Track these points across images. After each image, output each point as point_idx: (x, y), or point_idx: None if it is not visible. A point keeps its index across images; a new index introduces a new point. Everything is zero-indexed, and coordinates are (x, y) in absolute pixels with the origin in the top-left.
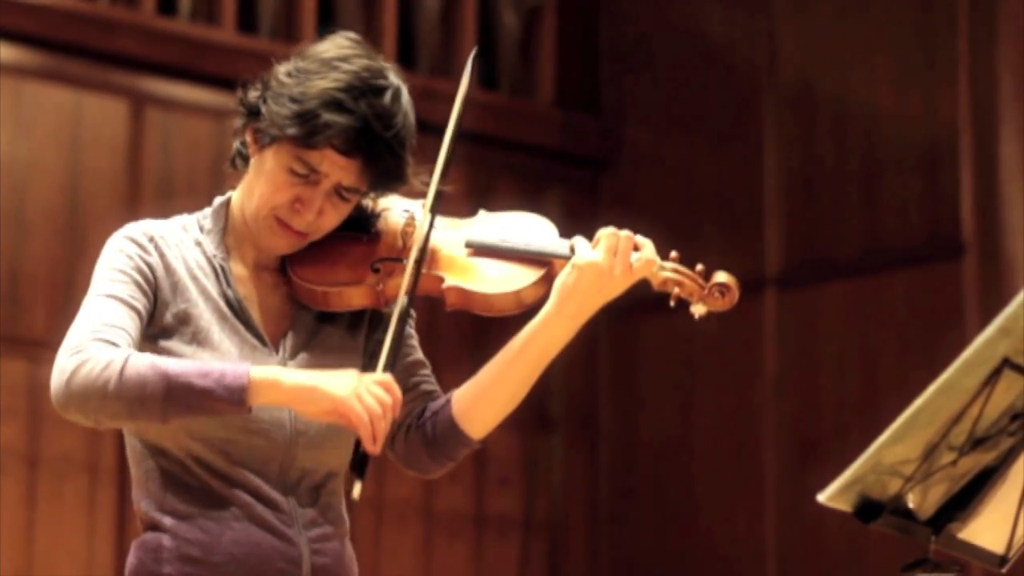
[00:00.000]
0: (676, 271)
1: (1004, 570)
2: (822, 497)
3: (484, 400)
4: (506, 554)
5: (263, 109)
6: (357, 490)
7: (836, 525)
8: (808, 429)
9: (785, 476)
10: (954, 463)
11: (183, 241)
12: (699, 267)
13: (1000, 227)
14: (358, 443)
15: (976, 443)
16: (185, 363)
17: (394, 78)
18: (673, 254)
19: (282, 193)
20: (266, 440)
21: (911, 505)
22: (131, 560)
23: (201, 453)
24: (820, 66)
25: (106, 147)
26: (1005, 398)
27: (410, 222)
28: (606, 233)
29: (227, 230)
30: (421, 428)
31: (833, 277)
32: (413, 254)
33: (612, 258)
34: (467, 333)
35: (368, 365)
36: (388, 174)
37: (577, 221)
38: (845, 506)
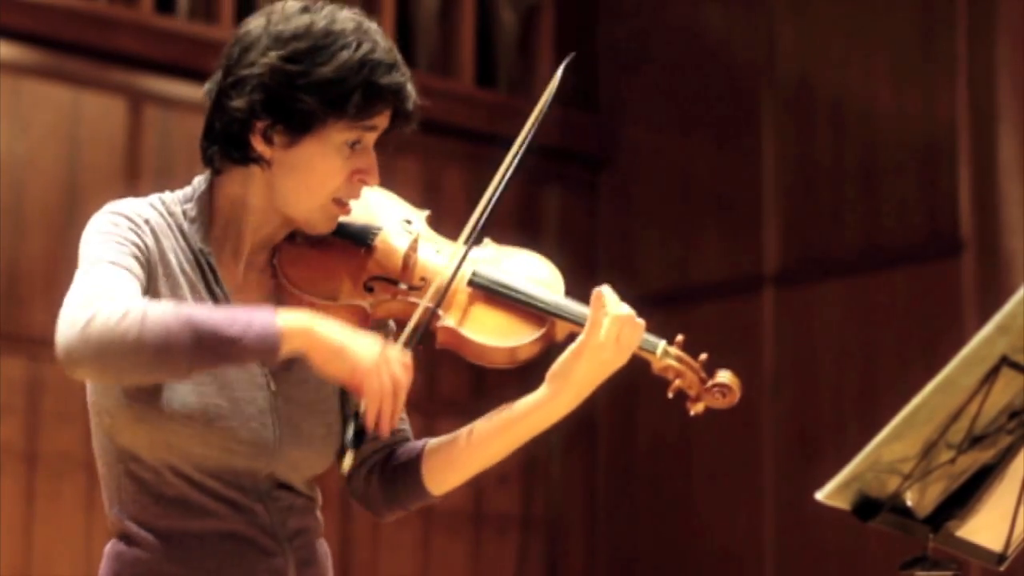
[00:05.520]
0: (680, 360)
1: (1002, 568)
2: (820, 495)
3: (458, 466)
4: (505, 552)
5: (289, 105)
6: (348, 462)
7: (834, 523)
8: (806, 427)
9: (783, 474)
10: (952, 461)
11: (168, 228)
12: (702, 357)
13: (998, 225)
14: (356, 415)
15: (974, 441)
16: (207, 310)
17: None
18: (679, 338)
19: (341, 173)
20: (246, 461)
21: (909, 503)
22: (103, 570)
23: (177, 464)
24: (819, 64)
25: (104, 145)
26: (1003, 396)
27: (413, 246)
28: (612, 316)
29: (213, 221)
30: (384, 476)
31: (831, 275)
32: (430, 293)
33: (615, 345)
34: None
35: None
36: (413, 110)
37: (576, 219)
38: (843, 504)
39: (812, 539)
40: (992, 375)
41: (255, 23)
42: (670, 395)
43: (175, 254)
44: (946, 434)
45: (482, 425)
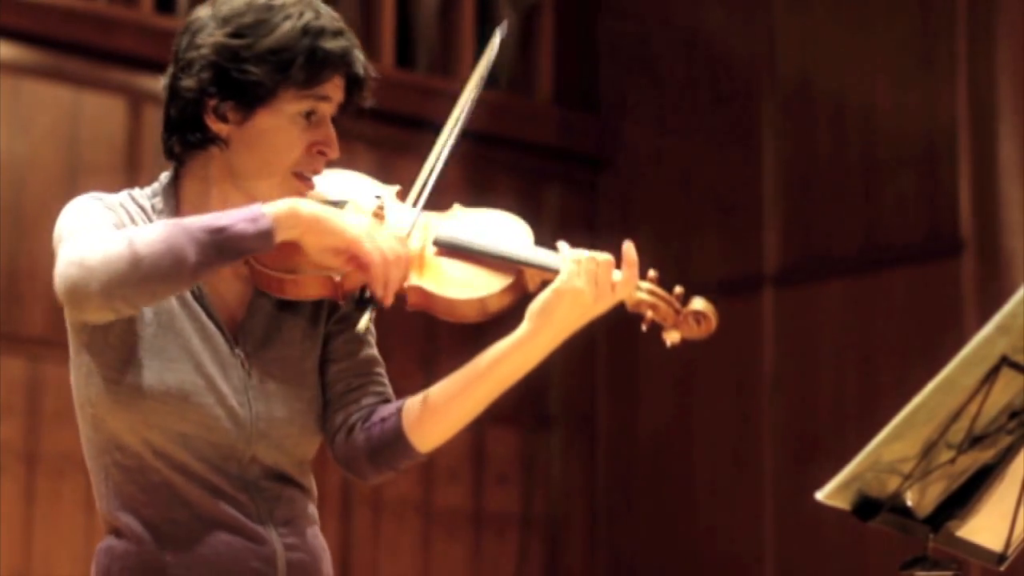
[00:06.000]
0: (652, 293)
1: (1002, 568)
2: (820, 495)
3: (440, 416)
4: (504, 551)
5: (237, 78)
6: (364, 321)
7: (834, 523)
8: (806, 427)
9: (783, 474)
10: (952, 461)
11: (140, 220)
12: (677, 290)
13: (998, 225)
14: (362, 291)
15: (974, 441)
16: (190, 218)
17: None
18: (652, 273)
19: (297, 146)
20: (225, 439)
21: (909, 503)
22: (94, 568)
23: (160, 444)
24: (819, 64)
25: (104, 145)
26: (1003, 396)
27: (379, 211)
28: (586, 257)
29: (180, 212)
30: (366, 432)
31: (832, 275)
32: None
33: (594, 287)
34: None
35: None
36: (364, 76)
37: (575, 219)
38: (843, 504)
39: (812, 539)
40: (992, 375)
41: (203, 11)
42: (644, 328)
43: None
44: (946, 434)
45: (463, 372)
